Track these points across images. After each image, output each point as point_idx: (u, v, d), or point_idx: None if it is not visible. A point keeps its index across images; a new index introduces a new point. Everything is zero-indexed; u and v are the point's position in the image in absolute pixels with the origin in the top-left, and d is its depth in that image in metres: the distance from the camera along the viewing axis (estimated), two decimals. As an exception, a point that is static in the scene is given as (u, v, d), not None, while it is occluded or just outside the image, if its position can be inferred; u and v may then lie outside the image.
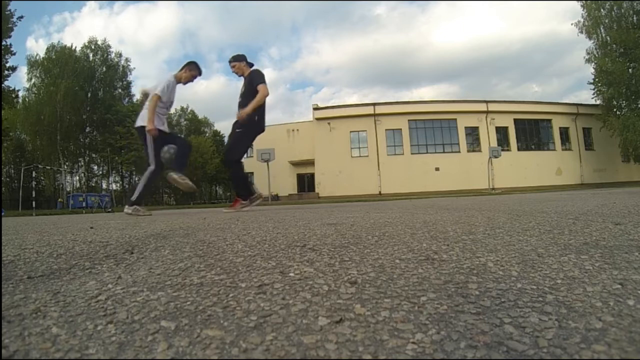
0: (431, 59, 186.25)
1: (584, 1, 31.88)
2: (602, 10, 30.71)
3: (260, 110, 5.86)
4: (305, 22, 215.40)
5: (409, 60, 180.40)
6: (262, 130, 6.05)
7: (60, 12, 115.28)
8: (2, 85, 27.48)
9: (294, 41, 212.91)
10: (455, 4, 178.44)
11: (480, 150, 31.70)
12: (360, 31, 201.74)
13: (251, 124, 5.84)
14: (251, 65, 6.17)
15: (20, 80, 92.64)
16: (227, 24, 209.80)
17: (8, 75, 27.96)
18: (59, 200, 34.68)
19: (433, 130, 32.51)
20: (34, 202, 20.33)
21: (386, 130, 32.19)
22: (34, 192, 23.11)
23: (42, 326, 0.75)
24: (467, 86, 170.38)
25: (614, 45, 29.91)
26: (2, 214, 20.25)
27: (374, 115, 32.12)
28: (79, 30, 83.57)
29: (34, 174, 28.40)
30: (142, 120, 5.87)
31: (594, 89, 31.56)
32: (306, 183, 36.44)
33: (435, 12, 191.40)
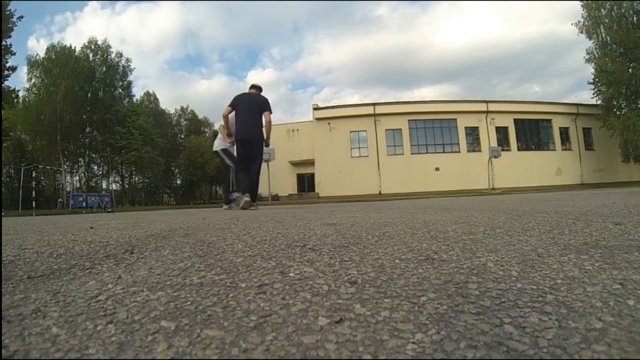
0: (432, 59, 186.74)
1: (584, 1, 31.83)
2: (602, 10, 30.66)
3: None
4: (306, 22, 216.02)
5: (409, 60, 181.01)
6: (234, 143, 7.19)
7: (62, 12, 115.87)
8: (2, 85, 27.46)
9: (295, 41, 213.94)
10: (456, 4, 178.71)
11: (480, 150, 31.67)
12: (362, 31, 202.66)
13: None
14: (259, 89, 7.35)
15: (21, 80, 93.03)
16: (228, 24, 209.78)
17: (8, 76, 27.92)
18: (59, 200, 34.68)
19: (433, 130, 32.47)
20: (34, 202, 20.31)
21: (386, 130, 32.16)
22: (34, 192, 23.07)
23: (42, 326, 0.75)
24: (468, 86, 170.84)
25: (614, 45, 29.86)
26: (2, 214, 20.27)
27: (374, 115, 32.10)
28: (80, 30, 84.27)
29: (34, 174, 28.37)
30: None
31: (593, 89, 31.52)
32: (306, 183, 36.40)
33: (436, 13, 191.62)
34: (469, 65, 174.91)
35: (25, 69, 39.08)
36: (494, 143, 31.22)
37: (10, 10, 27.17)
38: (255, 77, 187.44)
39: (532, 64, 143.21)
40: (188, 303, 0.87)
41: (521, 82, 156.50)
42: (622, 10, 29.76)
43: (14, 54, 28.13)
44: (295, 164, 35.99)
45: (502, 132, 32.81)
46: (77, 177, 46.09)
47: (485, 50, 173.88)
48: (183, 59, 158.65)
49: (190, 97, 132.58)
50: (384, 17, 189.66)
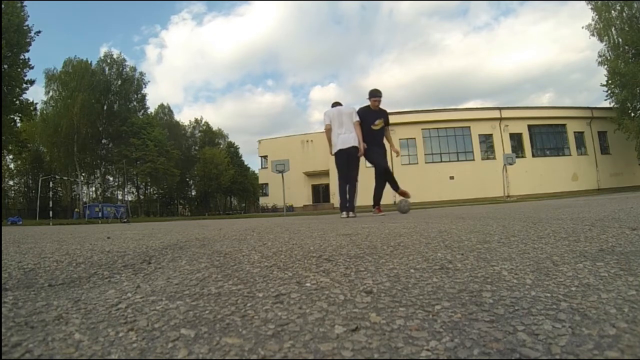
0: (482, 78, 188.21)
1: (593, 1, 31.45)
2: (612, 12, 30.24)
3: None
4: (381, 49, 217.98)
5: (463, 79, 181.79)
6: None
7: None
8: (21, 97, 28.06)
9: (365, 63, 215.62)
10: (516, 33, 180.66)
11: (494, 158, 31.29)
12: (428, 55, 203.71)
13: None
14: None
15: (39, 94, 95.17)
16: (310, 45, 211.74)
17: (26, 89, 28.43)
18: (76, 210, 35.10)
19: (447, 138, 32.13)
20: (51, 212, 20.73)
21: (400, 139, 31.93)
22: (51, 202, 23.60)
23: (64, 332, 0.78)
24: (509, 101, 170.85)
25: (626, 47, 29.41)
26: (20, 222, 20.76)
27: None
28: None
29: (51, 185, 28.94)
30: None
31: (607, 91, 31.01)
32: (321, 194, 36.33)
33: (496, 40, 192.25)
34: (512, 83, 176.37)
35: (43, 82, 39.82)
36: (508, 150, 30.84)
37: (28, 25, 27.76)
38: (318, 93, 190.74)
39: (567, 82, 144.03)
40: (207, 312, 0.89)
41: (557, 96, 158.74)
42: (633, 11, 29.31)
43: (32, 67, 28.65)
44: (310, 174, 35.96)
45: (516, 138, 32.40)
46: (93, 188, 46.77)
47: (529, 72, 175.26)
48: (254, 74, 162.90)
49: (251, 112, 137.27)
50: (450, 46, 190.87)
